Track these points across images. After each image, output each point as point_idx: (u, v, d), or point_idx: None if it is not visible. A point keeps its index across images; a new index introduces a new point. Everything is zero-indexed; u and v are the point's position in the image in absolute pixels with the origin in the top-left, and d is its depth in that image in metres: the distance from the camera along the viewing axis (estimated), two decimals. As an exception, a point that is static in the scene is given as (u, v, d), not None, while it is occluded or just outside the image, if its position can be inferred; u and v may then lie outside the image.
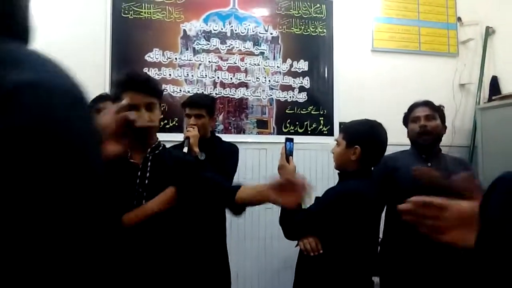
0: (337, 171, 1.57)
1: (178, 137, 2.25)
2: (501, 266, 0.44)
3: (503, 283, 0.43)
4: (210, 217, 1.90)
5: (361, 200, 1.41)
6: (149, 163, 1.30)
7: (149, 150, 1.32)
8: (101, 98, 1.75)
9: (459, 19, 3.08)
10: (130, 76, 1.32)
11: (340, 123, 2.73)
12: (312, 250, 1.41)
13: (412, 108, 1.92)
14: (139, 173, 1.28)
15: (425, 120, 1.84)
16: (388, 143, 1.51)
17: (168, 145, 1.52)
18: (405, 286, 1.72)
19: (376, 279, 1.72)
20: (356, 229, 1.43)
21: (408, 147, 1.95)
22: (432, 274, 1.66)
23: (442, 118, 1.90)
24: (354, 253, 1.44)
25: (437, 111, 1.89)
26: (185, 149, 1.76)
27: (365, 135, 1.46)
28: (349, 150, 1.47)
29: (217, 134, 2.20)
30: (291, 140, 1.57)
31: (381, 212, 1.71)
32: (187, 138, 1.81)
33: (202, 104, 1.95)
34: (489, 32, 3.07)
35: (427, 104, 1.89)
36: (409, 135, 1.92)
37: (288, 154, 1.55)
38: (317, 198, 1.53)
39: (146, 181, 1.28)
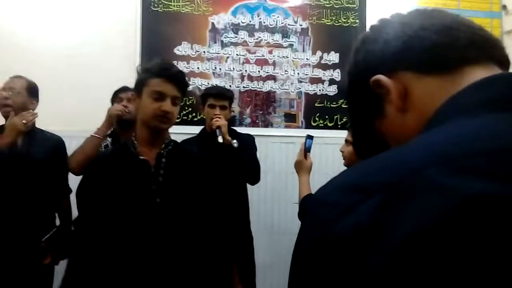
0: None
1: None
2: None
3: None
4: (233, 208, 1.89)
5: None
6: (163, 160, 1.26)
7: (163, 146, 1.28)
8: (123, 89, 1.88)
9: (503, 7, 2.88)
10: (164, 64, 1.27)
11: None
12: None
13: None
14: (152, 170, 1.24)
15: None
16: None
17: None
18: None
19: None
20: None
21: None
22: None
23: None
24: None
25: None
26: (220, 138, 1.76)
27: None
28: None
29: (245, 128, 2.18)
30: (311, 137, 1.68)
31: None
32: (218, 127, 1.80)
33: (227, 96, 1.98)
34: (537, 20, 2.85)
35: None
36: None
37: (306, 150, 1.66)
38: None
39: (160, 179, 1.24)
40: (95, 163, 1.32)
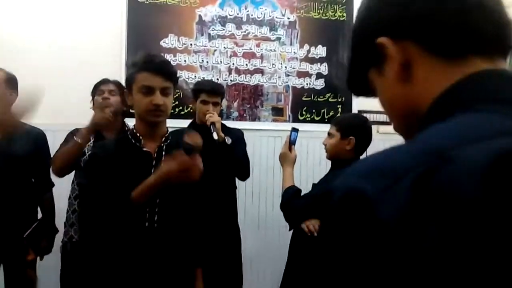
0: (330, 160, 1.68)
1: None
2: None
3: None
4: (221, 198, 1.91)
5: None
6: (163, 153, 1.27)
7: (163, 139, 1.29)
8: (103, 82, 1.85)
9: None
10: (148, 57, 1.27)
11: (359, 111, 2.65)
12: (316, 231, 1.48)
13: None
14: (153, 163, 1.25)
15: None
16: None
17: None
18: None
19: None
20: None
21: None
22: None
23: None
24: None
25: None
26: (214, 135, 1.77)
27: (358, 127, 1.61)
28: (343, 141, 1.58)
29: (233, 122, 2.19)
30: (297, 130, 1.69)
31: None
32: (212, 124, 1.80)
33: (221, 92, 1.99)
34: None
35: None
36: None
37: (291, 143, 1.67)
38: (314, 184, 1.64)
39: None
40: (99, 155, 1.32)
